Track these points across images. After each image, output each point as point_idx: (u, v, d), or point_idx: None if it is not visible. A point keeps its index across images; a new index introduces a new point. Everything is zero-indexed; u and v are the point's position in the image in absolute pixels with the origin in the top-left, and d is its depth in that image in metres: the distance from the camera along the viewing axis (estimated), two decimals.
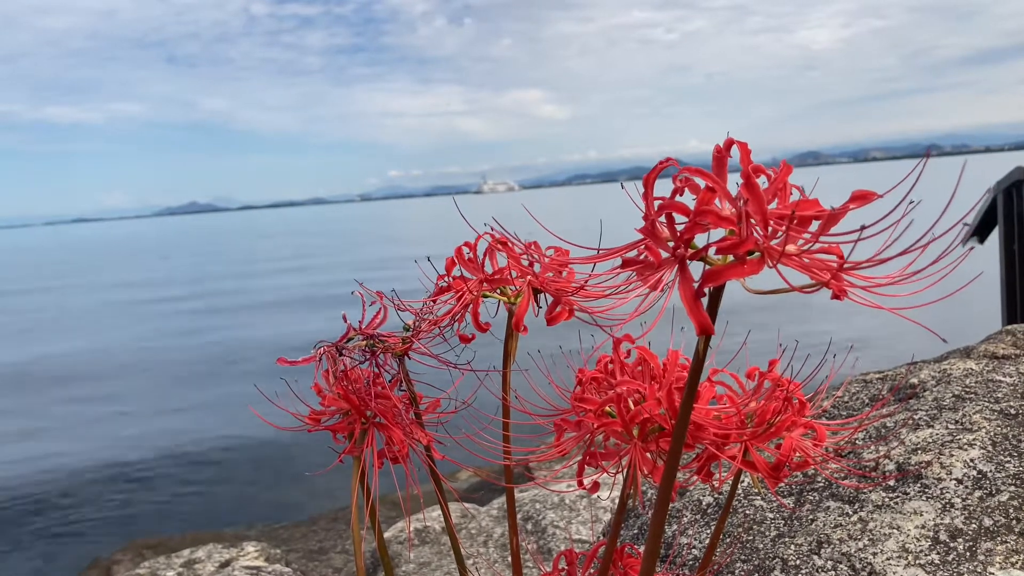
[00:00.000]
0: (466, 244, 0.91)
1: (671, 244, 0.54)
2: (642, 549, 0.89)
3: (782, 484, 1.14)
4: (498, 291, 0.90)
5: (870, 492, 1.20)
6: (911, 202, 0.52)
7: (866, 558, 1.08)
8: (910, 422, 1.32)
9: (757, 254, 0.51)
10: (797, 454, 0.80)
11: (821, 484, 1.28)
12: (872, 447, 1.30)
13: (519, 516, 2.24)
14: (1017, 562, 1.00)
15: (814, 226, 0.53)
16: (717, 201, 0.53)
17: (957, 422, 1.27)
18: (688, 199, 0.55)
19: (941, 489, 1.15)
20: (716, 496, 1.40)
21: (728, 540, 1.25)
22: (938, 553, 1.05)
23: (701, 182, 0.54)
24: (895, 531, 1.10)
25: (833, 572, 1.08)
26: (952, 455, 1.20)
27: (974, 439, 1.22)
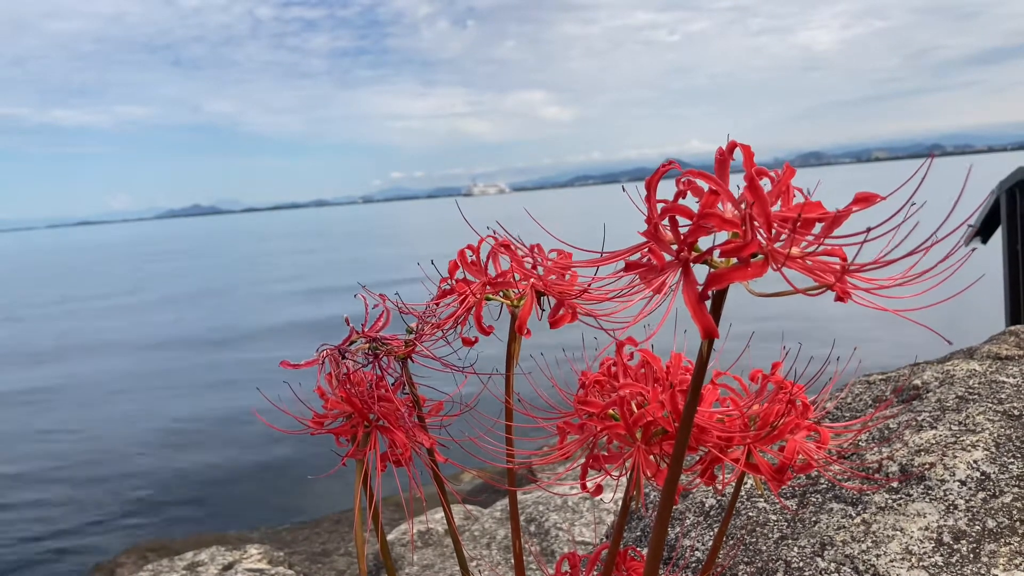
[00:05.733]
0: (469, 247, 0.91)
1: (674, 247, 0.54)
2: (645, 552, 0.89)
3: (785, 486, 1.14)
4: (501, 294, 0.90)
5: (873, 494, 1.20)
6: (914, 204, 0.52)
7: (869, 560, 1.07)
8: (913, 423, 1.32)
9: (761, 257, 0.51)
10: (800, 456, 0.80)
11: (824, 486, 1.27)
12: (875, 448, 1.30)
13: (522, 518, 2.24)
14: (1021, 564, 1.00)
15: (817, 228, 0.53)
16: (720, 204, 0.53)
17: (960, 423, 1.27)
18: (691, 202, 0.55)
19: (944, 491, 1.14)
20: (719, 498, 1.39)
21: (731, 542, 1.25)
22: (941, 555, 1.04)
23: (704, 185, 0.54)
24: (898, 533, 1.10)
25: (836, 574, 1.08)
26: (955, 456, 1.19)
27: (977, 440, 1.21)
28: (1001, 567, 1.00)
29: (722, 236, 0.53)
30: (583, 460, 0.81)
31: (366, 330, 0.93)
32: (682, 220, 0.53)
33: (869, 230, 0.50)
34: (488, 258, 0.90)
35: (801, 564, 1.13)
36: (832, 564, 1.10)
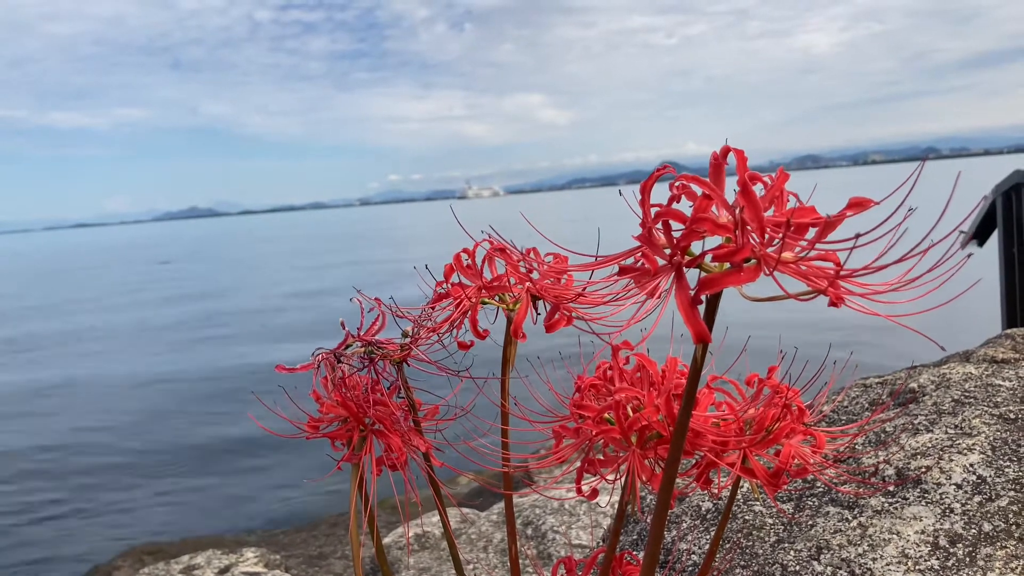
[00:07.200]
0: (464, 250, 0.91)
1: (668, 251, 0.54)
2: (641, 555, 0.88)
3: (781, 490, 1.14)
4: (496, 298, 0.90)
5: (869, 497, 1.20)
6: (910, 208, 0.52)
7: (866, 563, 1.07)
8: (910, 427, 1.32)
9: (753, 261, 0.51)
10: (796, 461, 0.80)
11: (820, 489, 1.27)
12: (872, 452, 1.30)
13: (519, 521, 2.24)
14: (1017, 567, 1.00)
15: (811, 233, 0.53)
16: (714, 208, 0.53)
17: (956, 427, 1.27)
18: (685, 206, 0.55)
19: (940, 494, 1.14)
20: (715, 502, 1.39)
21: (728, 546, 1.25)
22: (938, 559, 1.04)
23: (698, 189, 0.54)
24: (895, 536, 1.10)
25: None
26: (952, 460, 1.20)
27: (973, 444, 1.21)
28: (997, 571, 1.00)
29: (716, 241, 0.53)
30: (579, 464, 0.81)
31: (361, 334, 0.93)
32: (675, 224, 0.53)
33: (858, 236, 0.50)
34: (483, 262, 0.90)
35: (798, 568, 1.12)
36: (828, 568, 1.10)
